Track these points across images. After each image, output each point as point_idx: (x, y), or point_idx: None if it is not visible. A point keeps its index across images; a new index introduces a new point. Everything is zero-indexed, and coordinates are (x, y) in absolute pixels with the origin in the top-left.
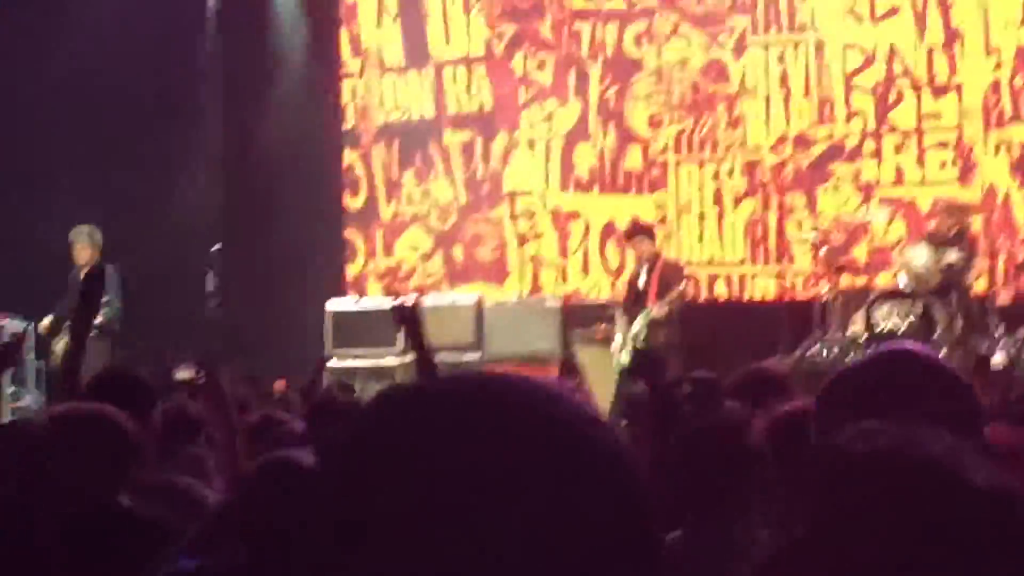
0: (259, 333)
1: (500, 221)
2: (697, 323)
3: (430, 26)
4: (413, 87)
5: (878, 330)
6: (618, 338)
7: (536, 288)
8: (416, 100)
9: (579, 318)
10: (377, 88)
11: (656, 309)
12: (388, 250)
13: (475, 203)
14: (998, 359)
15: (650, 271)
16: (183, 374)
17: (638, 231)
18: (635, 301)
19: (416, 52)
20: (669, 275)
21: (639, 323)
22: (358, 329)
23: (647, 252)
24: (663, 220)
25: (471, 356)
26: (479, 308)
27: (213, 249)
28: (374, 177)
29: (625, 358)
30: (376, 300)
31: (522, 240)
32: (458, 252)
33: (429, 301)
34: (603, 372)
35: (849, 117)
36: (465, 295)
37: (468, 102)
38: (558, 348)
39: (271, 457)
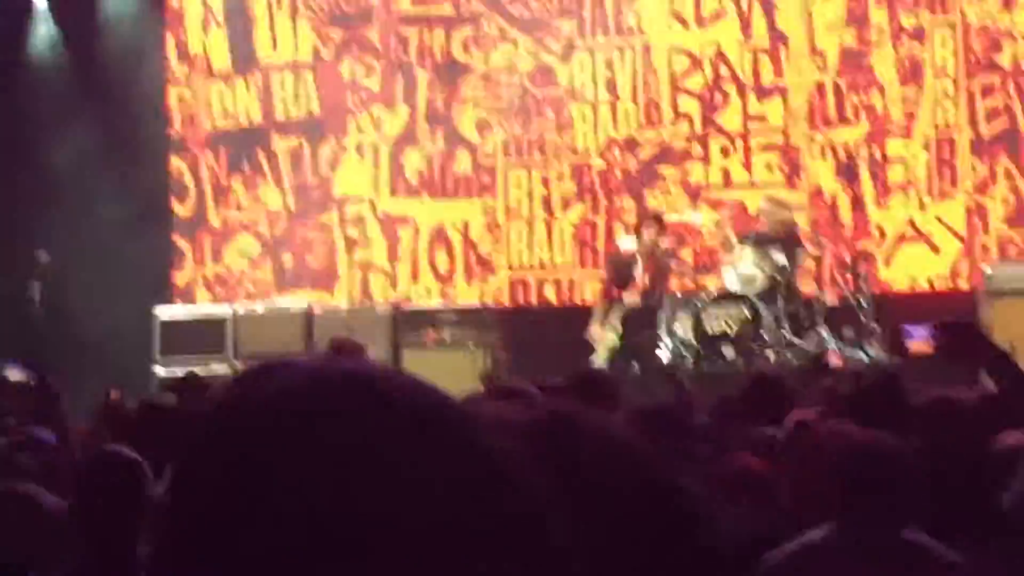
0: (84, 341)
1: (329, 227)
2: (528, 327)
3: (257, 32)
4: (241, 93)
5: (708, 333)
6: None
7: (366, 294)
8: (244, 106)
9: (409, 324)
10: (204, 94)
11: (628, 297)
12: (217, 257)
13: (304, 209)
14: (834, 360)
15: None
16: (14, 376)
17: (649, 218)
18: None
19: (243, 58)
20: (660, 262)
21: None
22: (186, 337)
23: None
24: (492, 225)
25: None
26: (309, 315)
27: (38, 256)
28: (202, 183)
29: (611, 343)
30: (205, 307)
31: (351, 246)
32: (288, 259)
33: (258, 308)
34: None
35: (676, 120)
36: (295, 301)
37: (296, 108)
38: (387, 354)
39: (103, 453)
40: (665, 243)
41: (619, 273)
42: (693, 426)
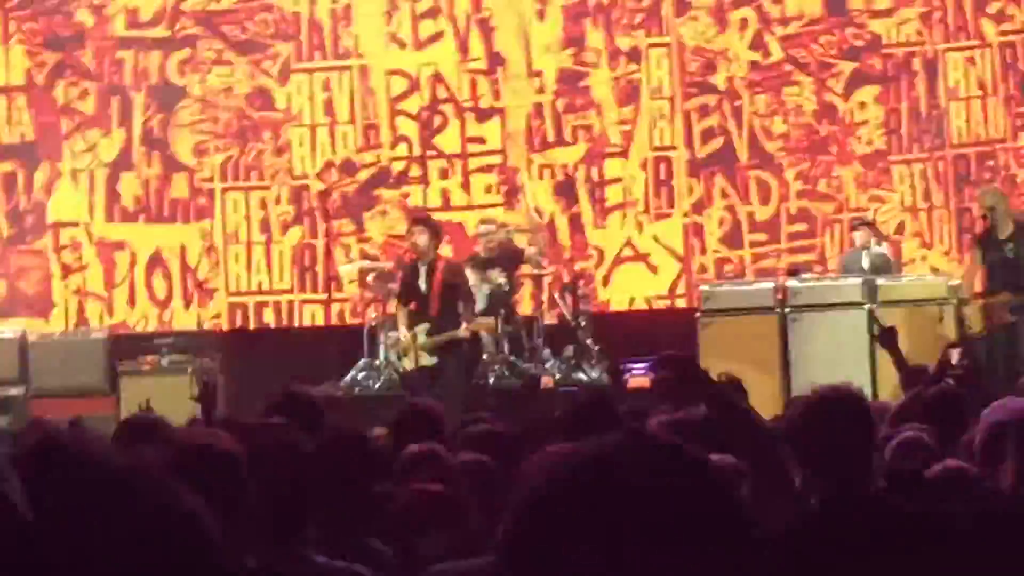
0: None
1: (44, 253)
2: (247, 350)
3: None
4: None
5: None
6: (393, 336)
7: (82, 320)
8: None
9: (126, 350)
10: None
11: (463, 331)
12: None
13: (18, 235)
14: (546, 380)
15: (430, 273)
16: None
17: (417, 220)
18: (413, 302)
19: None
20: (452, 280)
21: (421, 334)
22: None
23: (424, 248)
24: (210, 249)
25: (16, 390)
26: (23, 341)
27: None
28: None
29: (408, 364)
30: None
31: (67, 272)
32: (1, 286)
33: None
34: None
35: (395, 142)
36: (8, 328)
37: (9, 133)
38: (104, 381)
39: None
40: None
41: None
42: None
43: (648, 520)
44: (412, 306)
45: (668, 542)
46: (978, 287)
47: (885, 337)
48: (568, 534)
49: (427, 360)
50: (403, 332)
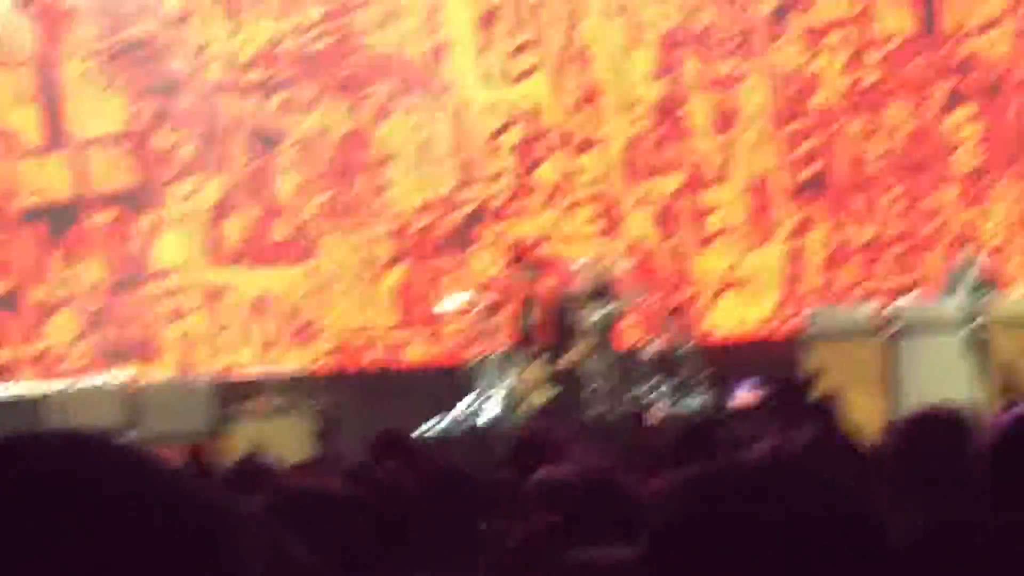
0: None
1: (150, 299)
2: (349, 392)
3: (68, 105)
4: (54, 168)
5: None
6: (511, 378)
7: (189, 366)
8: (58, 181)
9: (234, 394)
10: (13, 171)
11: (571, 356)
12: (36, 334)
13: (124, 282)
14: (658, 410)
15: (536, 306)
16: None
17: (517, 258)
18: (527, 340)
19: (55, 132)
20: (559, 311)
21: (538, 369)
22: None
23: (528, 284)
24: (315, 290)
25: (124, 438)
26: (130, 388)
27: None
28: (13, 263)
29: (546, 395)
30: (29, 385)
31: (173, 317)
32: (109, 333)
33: (79, 384)
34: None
35: (494, 177)
36: (116, 375)
37: (112, 180)
38: (212, 426)
39: None
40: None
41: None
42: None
43: (786, 551)
44: (519, 343)
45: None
46: None
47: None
48: (706, 561)
49: (549, 393)
50: (524, 370)
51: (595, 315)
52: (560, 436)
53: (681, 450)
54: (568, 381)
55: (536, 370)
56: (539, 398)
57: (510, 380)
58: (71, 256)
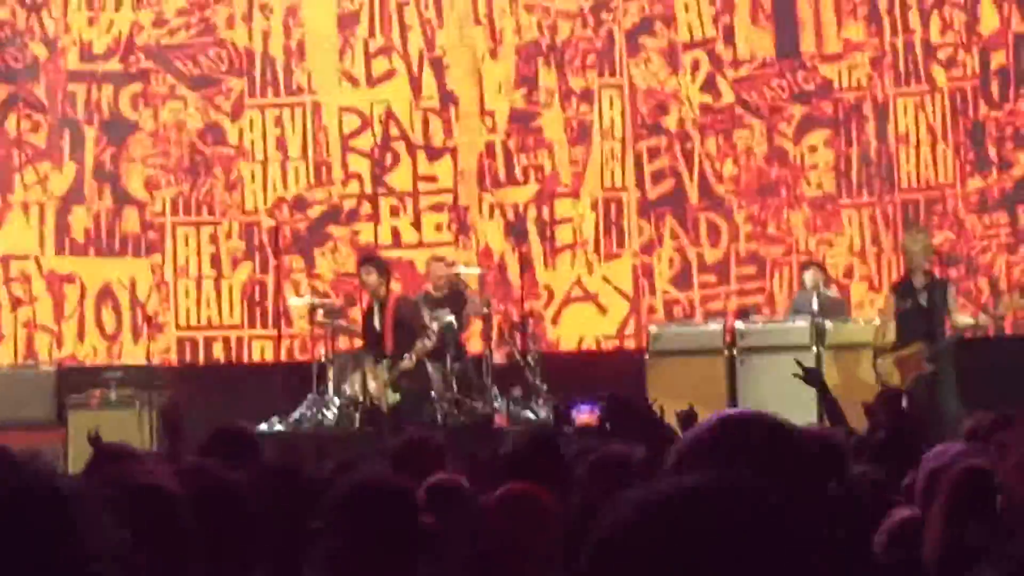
0: None
1: None
2: (196, 385)
3: None
4: None
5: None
6: (355, 379)
7: (31, 353)
8: None
9: (74, 383)
10: None
11: (405, 361)
12: None
13: None
14: (499, 418)
15: (382, 309)
16: None
17: (365, 260)
18: (373, 343)
19: None
20: (403, 313)
21: (383, 372)
22: None
23: (374, 287)
24: (160, 283)
25: None
26: None
27: None
28: None
29: (391, 398)
30: None
31: (16, 305)
32: None
33: None
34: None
35: (347, 179)
36: None
37: None
38: (52, 414)
39: None
40: (335, 303)
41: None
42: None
43: (732, 565)
44: (365, 345)
45: None
46: (890, 336)
47: (811, 378)
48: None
49: (392, 398)
50: (369, 372)
51: (441, 321)
52: (438, 442)
53: (527, 459)
54: (412, 386)
55: (380, 373)
56: (381, 401)
57: (352, 382)
58: None
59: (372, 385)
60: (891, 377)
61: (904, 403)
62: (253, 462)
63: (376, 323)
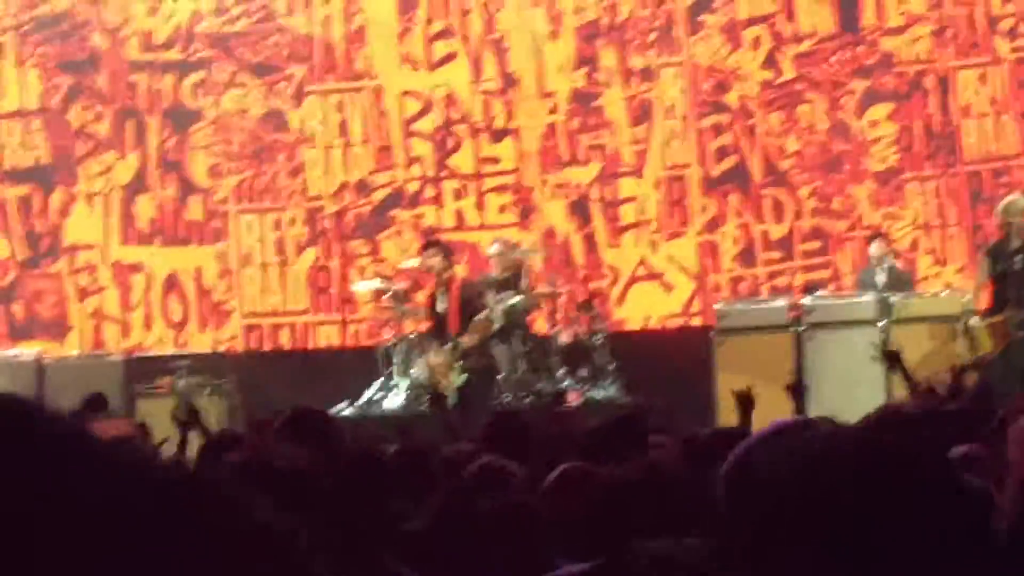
0: None
1: (61, 276)
2: (263, 372)
3: None
4: None
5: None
6: (421, 363)
7: (99, 343)
8: None
9: (142, 372)
10: None
11: (466, 339)
12: None
13: (35, 258)
14: (572, 398)
15: (446, 293)
16: None
17: (429, 244)
18: (438, 326)
19: None
20: (468, 296)
21: (447, 354)
22: None
23: (440, 270)
24: (225, 271)
25: None
26: (39, 364)
27: None
28: None
29: (457, 380)
30: None
31: (83, 295)
32: (18, 308)
33: None
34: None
35: (409, 163)
36: (25, 351)
37: (24, 156)
38: (121, 403)
39: None
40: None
41: (431, 311)
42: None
43: (891, 523)
44: (431, 328)
45: (915, 548)
46: (985, 302)
47: (891, 361)
48: (814, 530)
49: (459, 379)
50: (434, 354)
51: (506, 302)
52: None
53: (611, 439)
54: (480, 368)
55: (444, 356)
56: (447, 384)
57: (419, 366)
58: None
59: (438, 367)
60: (984, 342)
61: (971, 380)
62: (335, 446)
63: (440, 306)
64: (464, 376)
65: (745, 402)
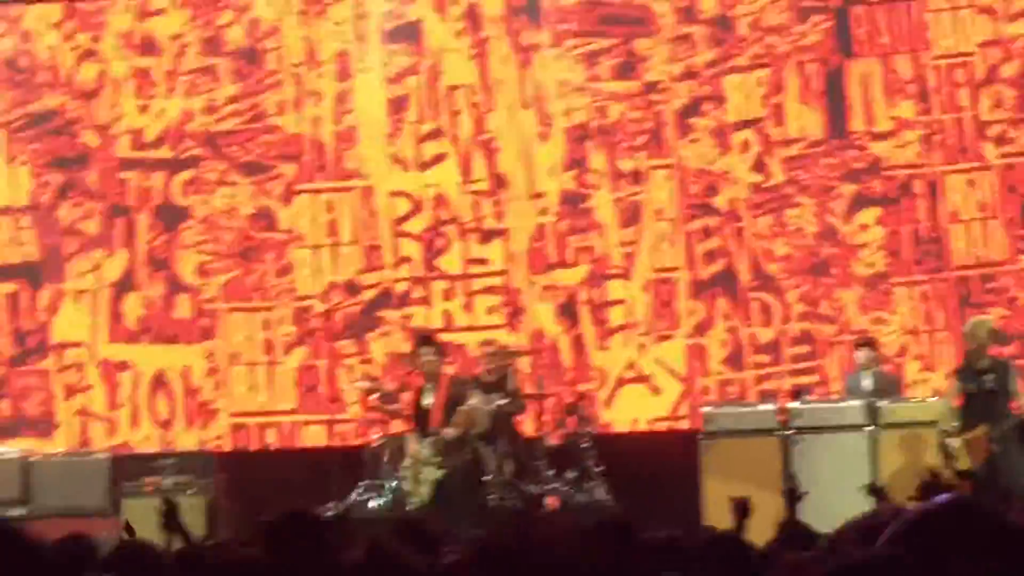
0: None
1: (47, 373)
2: (250, 471)
3: None
4: None
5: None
6: (407, 462)
7: (85, 441)
8: None
9: (128, 471)
10: None
11: (449, 431)
12: None
13: (22, 355)
14: (550, 500)
15: (435, 389)
16: None
17: (424, 342)
18: (421, 423)
19: None
20: (456, 393)
21: (426, 448)
22: None
23: (432, 368)
24: (213, 369)
25: (17, 511)
26: (25, 462)
27: None
28: None
29: (434, 475)
30: None
31: (70, 392)
32: (4, 406)
33: None
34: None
35: (397, 264)
36: (11, 448)
37: (13, 253)
38: (107, 502)
39: None
40: (388, 386)
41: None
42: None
43: None
44: (417, 425)
45: None
46: (955, 421)
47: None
48: None
49: (434, 474)
50: (413, 450)
51: (494, 401)
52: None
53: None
54: (462, 465)
55: (425, 449)
56: (427, 477)
57: (404, 463)
58: None
59: (416, 463)
60: (961, 459)
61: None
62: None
63: (426, 401)
64: (441, 472)
65: (742, 510)
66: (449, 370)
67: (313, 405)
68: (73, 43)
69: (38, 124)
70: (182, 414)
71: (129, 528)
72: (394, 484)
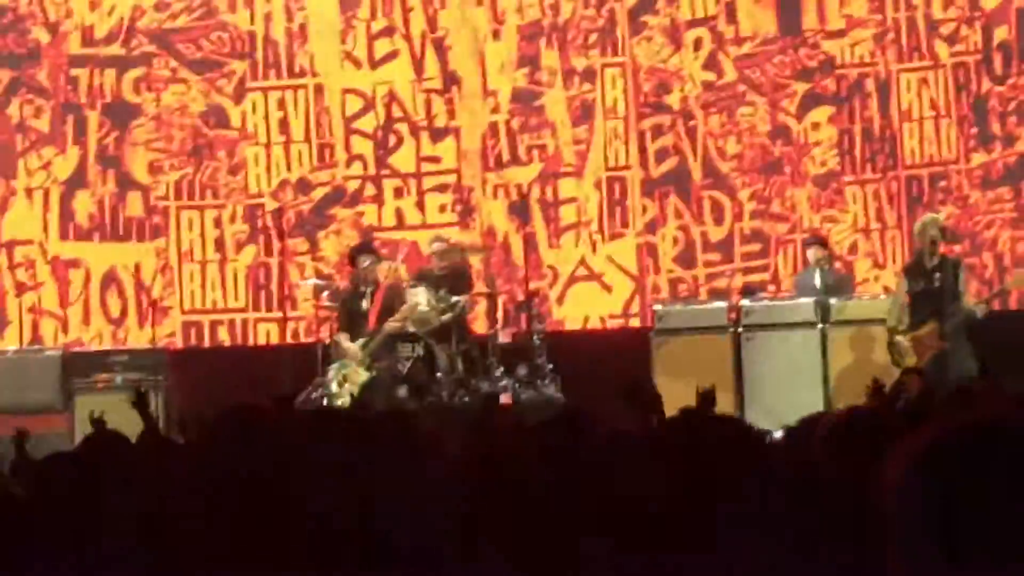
0: None
1: None
2: (201, 368)
3: None
4: None
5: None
6: (335, 366)
7: (36, 338)
8: None
9: (80, 368)
10: None
11: (389, 323)
12: None
13: None
14: (503, 398)
15: (372, 293)
16: None
17: (362, 250)
18: (352, 324)
19: None
20: (392, 298)
21: (358, 351)
22: None
23: (369, 275)
24: (165, 267)
25: None
26: None
27: None
28: None
29: (362, 377)
30: None
31: (21, 290)
32: None
33: None
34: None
35: (349, 162)
36: None
37: None
38: (58, 399)
39: None
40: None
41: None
42: None
43: None
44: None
45: None
46: (904, 318)
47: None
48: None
49: (362, 376)
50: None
51: (444, 300)
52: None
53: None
54: (383, 366)
55: (358, 352)
56: (355, 379)
57: (332, 365)
58: None
59: (350, 365)
60: (908, 356)
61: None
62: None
63: (363, 305)
64: (368, 375)
65: (709, 401)
66: (401, 270)
67: (265, 303)
68: None
69: None
70: (134, 312)
71: (99, 421)
72: (332, 384)
